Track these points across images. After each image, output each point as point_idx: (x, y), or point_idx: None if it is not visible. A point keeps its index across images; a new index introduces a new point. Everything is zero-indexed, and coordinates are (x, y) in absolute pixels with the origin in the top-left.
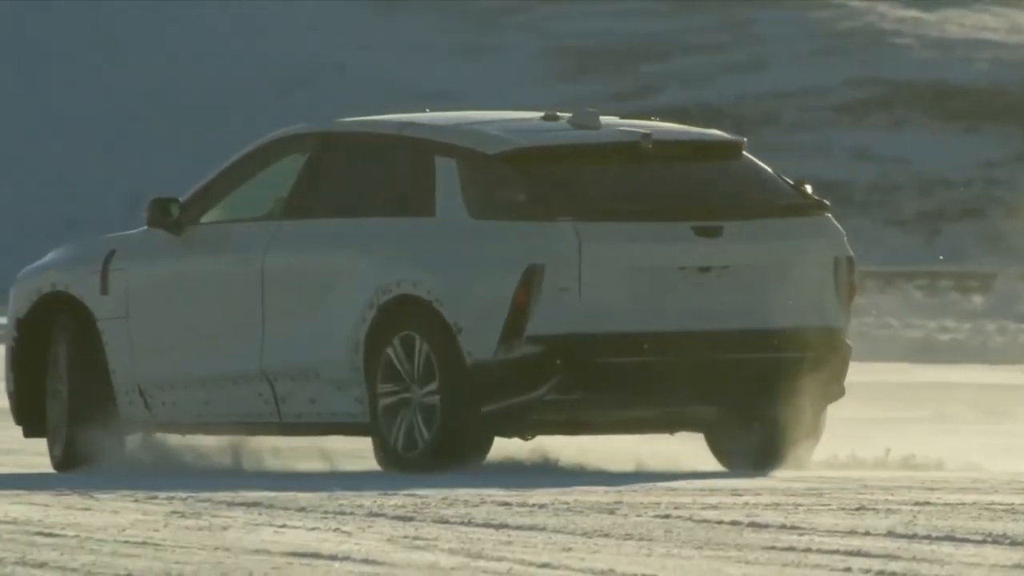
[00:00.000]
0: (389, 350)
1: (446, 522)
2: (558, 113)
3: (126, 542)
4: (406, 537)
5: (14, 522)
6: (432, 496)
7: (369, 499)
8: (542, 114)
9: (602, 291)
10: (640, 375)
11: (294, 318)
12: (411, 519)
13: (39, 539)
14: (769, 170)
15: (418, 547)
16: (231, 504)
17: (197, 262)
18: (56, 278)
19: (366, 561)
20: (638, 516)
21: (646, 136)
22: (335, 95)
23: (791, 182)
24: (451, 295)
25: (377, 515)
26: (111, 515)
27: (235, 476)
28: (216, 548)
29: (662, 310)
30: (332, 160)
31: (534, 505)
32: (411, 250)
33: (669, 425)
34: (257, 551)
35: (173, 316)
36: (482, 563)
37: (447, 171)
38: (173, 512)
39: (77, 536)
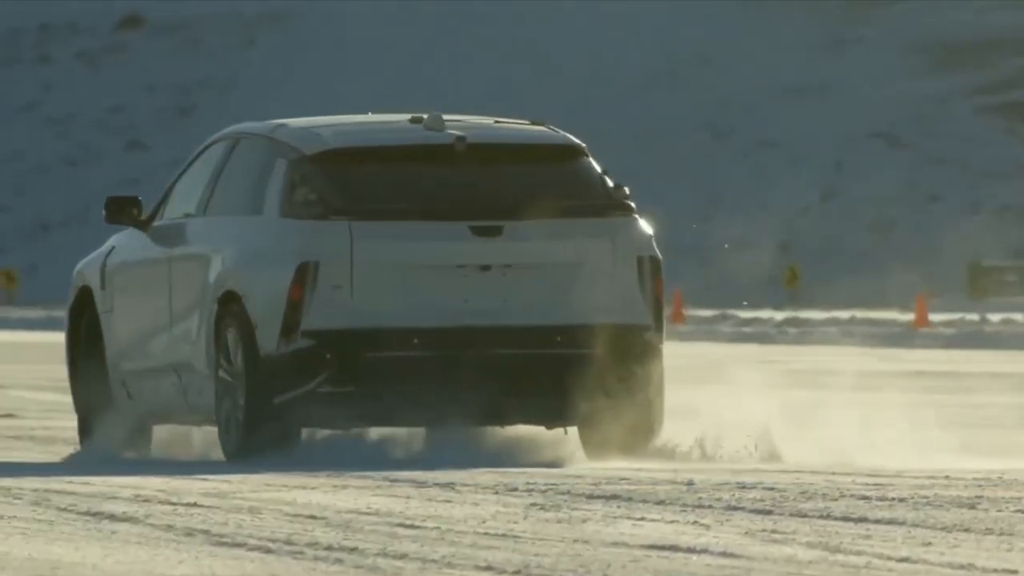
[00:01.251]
0: (222, 344)
1: (804, 516)
2: (423, 116)
3: (486, 534)
4: (764, 530)
5: (376, 513)
6: (790, 489)
7: (727, 492)
8: (408, 117)
9: (375, 288)
10: (410, 370)
11: (184, 313)
12: (769, 512)
13: (400, 530)
14: (598, 173)
15: (776, 540)
16: (590, 497)
17: (147, 259)
18: (85, 271)
19: (724, 554)
20: (999, 511)
21: (460, 139)
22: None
23: (612, 185)
24: (250, 291)
25: (735, 508)
26: (472, 507)
27: (593, 467)
28: (575, 540)
29: (436, 307)
30: (229, 161)
31: (893, 499)
32: (236, 248)
33: (492, 418)
34: (615, 543)
35: (133, 310)
36: (840, 557)
37: (279, 171)
38: (533, 504)
39: (438, 528)
